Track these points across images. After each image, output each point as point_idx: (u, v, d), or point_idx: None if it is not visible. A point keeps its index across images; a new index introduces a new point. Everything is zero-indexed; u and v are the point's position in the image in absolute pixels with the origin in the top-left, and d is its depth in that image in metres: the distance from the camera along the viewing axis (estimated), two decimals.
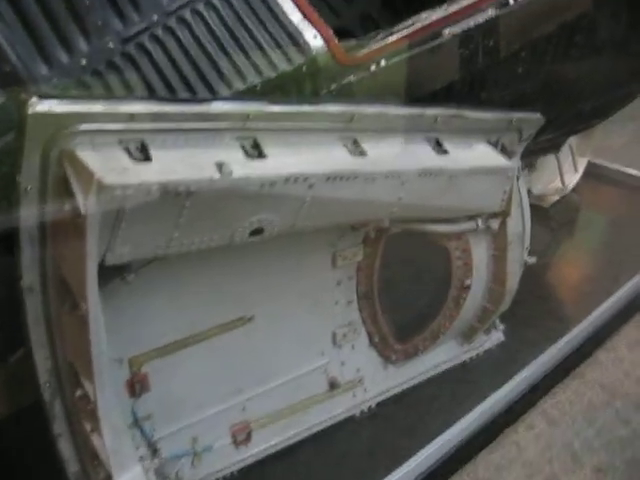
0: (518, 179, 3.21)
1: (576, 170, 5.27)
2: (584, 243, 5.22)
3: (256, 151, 2.30)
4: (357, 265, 3.08)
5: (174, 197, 2.09)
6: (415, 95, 2.79)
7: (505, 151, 3.06)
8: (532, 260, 3.31)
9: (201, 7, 2.45)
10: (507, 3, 2.91)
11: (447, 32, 2.79)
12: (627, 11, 3.35)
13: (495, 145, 3.04)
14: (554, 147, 4.73)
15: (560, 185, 5.14)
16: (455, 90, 2.92)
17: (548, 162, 5.11)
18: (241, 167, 2.22)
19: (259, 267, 2.77)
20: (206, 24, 2.44)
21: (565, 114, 3.78)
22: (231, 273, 2.72)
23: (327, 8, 4.25)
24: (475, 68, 2.92)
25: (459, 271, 3.15)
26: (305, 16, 2.55)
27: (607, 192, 5.72)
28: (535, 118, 3.18)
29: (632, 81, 3.93)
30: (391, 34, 2.80)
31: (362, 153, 2.51)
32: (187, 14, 2.42)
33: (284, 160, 2.31)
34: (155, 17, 2.37)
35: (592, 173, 5.70)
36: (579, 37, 3.25)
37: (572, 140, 5.09)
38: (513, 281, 3.25)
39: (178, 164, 2.13)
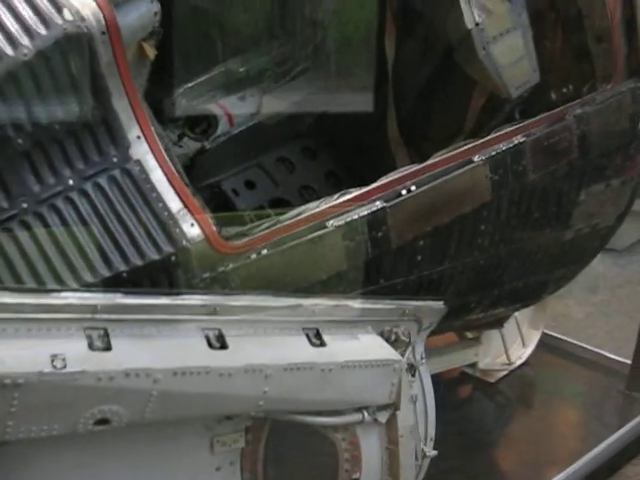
0: (417, 369, 3.13)
1: (524, 344, 5.17)
2: (533, 422, 5.03)
3: (103, 343, 2.28)
4: (241, 450, 2.96)
5: (1, 388, 2.06)
6: (299, 284, 2.79)
7: (399, 342, 3.01)
8: (432, 453, 3.17)
9: (74, 195, 2.51)
10: (399, 194, 2.97)
11: (331, 223, 2.83)
12: (536, 200, 3.40)
13: (388, 335, 2.99)
14: (496, 323, 4.68)
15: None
16: (345, 278, 2.92)
17: (495, 335, 5.04)
18: (79, 360, 2.19)
19: (128, 451, 2.68)
20: (77, 211, 2.50)
21: (485, 298, 3.76)
22: (98, 456, 2.63)
23: (267, 177, 4.39)
24: (366, 257, 2.94)
25: (347, 464, 3.02)
26: (185, 204, 2.61)
27: (564, 368, 5.57)
28: (436, 307, 3.16)
29: (555, 267, 3.93)
30: (277, 222, 2.85)
31: (223, 346, 2.47)
32: (59, 201, 2.48)
33: (129, 353, 2.28)
34: (25, 204, 2.43)
35: (549, 346, 5.59)
36: (484, 225, 3.28)
37: (521, 314, 5.03)
38: (408, 475, 3.10)
39: (10, 355, 2.12)
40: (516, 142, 3.18)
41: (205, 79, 4.03)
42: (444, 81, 3.71)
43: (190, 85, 3.99)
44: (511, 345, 5.08)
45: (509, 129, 3.22)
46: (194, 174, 4.06)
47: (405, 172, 3.05)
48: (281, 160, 4.43)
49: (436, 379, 3.25)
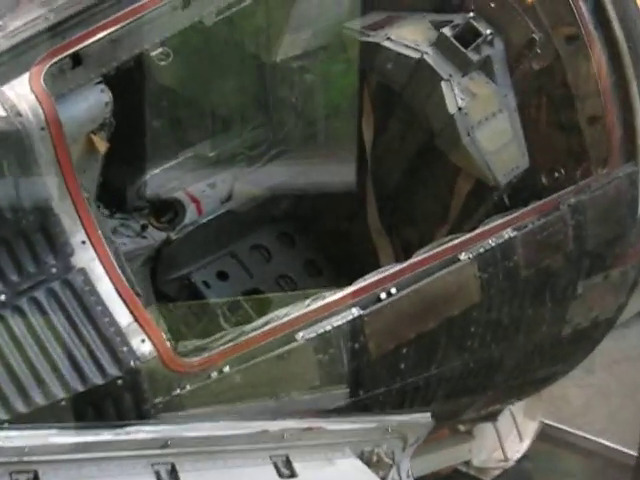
0: None
1: (521, 439, 4.80)
2: None
3: None
4: None
5: None
6: (266, 405, 2.47)
7: (381, 463, 2.67)
8: None
9: (7, 312, 2.21)
10: (378, 299, 2.67)
11: (301, 335, 2.52)
12: (529, 296, 3.12)
13: (369, 457, 2.66)
14: (489, 416, 4.34)
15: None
16: (319, 395, 2.60)
17: (489, 427, 4.68)
18: None
19: None
20: (10, 331, 2.19)
21: (477, 400, 3.44)
22: None
23: (241, 267, 4.09)
24: (342, 371, 2.62)
25: None
26: (135, 317, 2.30)
27: (565, 459, 5.20)
28: (423, 420, 2.83)
29: (553, 363, 3.63)
30: (241, 334, 2.54)
31: None
32: None
33: None
34: None
35: (547, 435, 5.22)
36: (474, 327, 2.98)
37: (516, 406, 4.69)
38: None
39: None
40: (506, 237, 2.90)
41: (173, 164, 3.77)
42: (426, 166, 3.46)
43: (157, 171, 3.72)
44: (507, 438, 4.71)
45: (498, 222, 2.95)
46: (161, 266, 3.78)
47: (385, 273, 2.76)
48: (256, 248, 4.13)
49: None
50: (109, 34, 2.53)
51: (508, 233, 2.92)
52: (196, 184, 3.82)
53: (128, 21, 2.56)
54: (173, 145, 3.81)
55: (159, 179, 3.75)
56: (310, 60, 3.58)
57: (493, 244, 2.88)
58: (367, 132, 3.53)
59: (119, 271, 2.36)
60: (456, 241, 2.87)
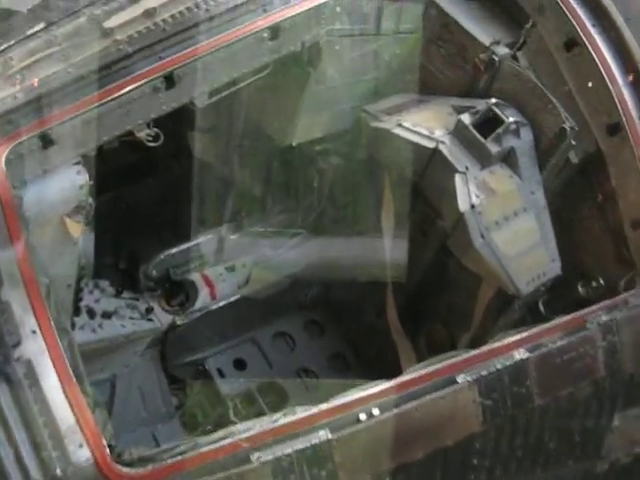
0: None
1: None
2: None
3: None
4: None
5: None
6: None
7: None
8: None
9: None
10: (357, 420, 2.33)
11: (257, 457, 2.22)
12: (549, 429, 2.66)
13: None
14: None
15: None
16: None
17: None
18: None
19: None
20: None
21: None
22: None
23: (261, 356, 3.84)
24: None
25: None
26: (77, 419, 2.13)
27: None
28: None
29: None
30: (195, 447, 2.28)
31: None
32: None
33: None
34: None
35: None
36: (476, 460, 2.56)
37: None
38: None
39: None
40: (517, 358, 2.49)
41: (191, 245, 3.60)
42: (449, 264, 3.09)
43: (173, 252, 3.57)
44: None
45: (509, 339, 2.55)
46: (171, 350, 3.59)
47: (369, 391, 2.43)
48: (280, 335, 3.88)
49: None
50: (81, 115, 2.43)
51: (520, 354, 2.51)
52: (214, 267, 3.63)
53: (103, 102, 2.45)
54: (193, 225, 3.66)
55: (176, 259, 3.59)
56: (333, 143, 3.35)
57: (499, 366, 2.47)
58: (387, 224, 3.22)
59: (68, 366, 2.21)
60: (454, 360, 2.49)
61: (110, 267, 3.64)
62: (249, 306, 3.70)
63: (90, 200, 2.62)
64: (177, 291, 3.59)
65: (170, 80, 2.54)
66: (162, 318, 3.51)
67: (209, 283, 3.62)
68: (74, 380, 2.22)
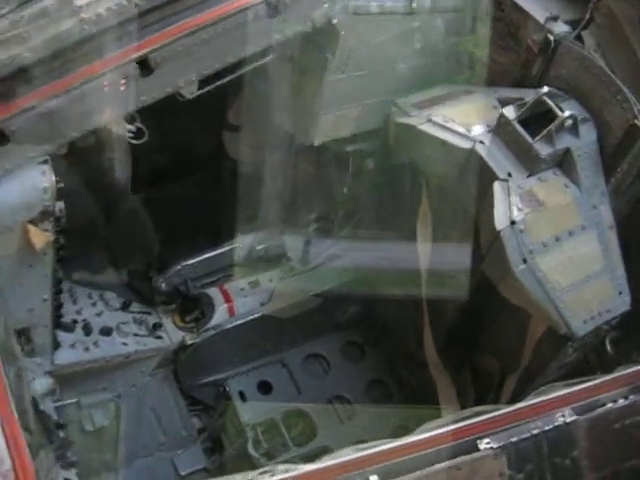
0: None
1: None
2: None
3: None
4: None
5: None
6: None
7: None
8: None
9: None
10: None
11: None
12: None
13: None
14: None
15: None
16: None
17: None
18: None
19: None
20: None
21: None
22: None
23: (290, 380, 3.41)
24: None
25: None
26: (13, 465, 1.85)
27: None
28: None
29: None
30: None
31: None
32: None
33: None
34: None
35: None
36: None
37: None
38: None
39: None
40: (560, 421, 1.94)
41: (211, 256, 3.22)
42: (496, 290, 2.54)
43: (191, 262, 3.19)
44: None
45: (553, 395, 2.00)
46: (186, 369, 3.22)
47: (368, 452, 1.97)
48: (313, 357, 3.44)
49: None
50: (39, 107, 2.08)
51: (564, 415, 1.96)
52: (235, 282, 3.23)
53: (63, 92, 2.09)
54: (215, 233, 3.28)
55: (193, 270, 3.22)
56: (366, 144, 2.87)
57: (536, 431, 1.94)
58: (423, 237, 2.71)
59: (11, 401, 1.92)
60: (477, 419, 1.97)
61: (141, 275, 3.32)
62: (276, 325, 3.29)
63: (60, 205, 2.28)
64: (191, 307, 3.22)
65: (146, 65, 2.14)
66: (173, 335, 3.16)
67: (228, 298, 3.22)
68: (16, 418, 1.89)
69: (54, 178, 2.20)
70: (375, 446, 1.99)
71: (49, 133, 2.16)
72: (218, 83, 2.34)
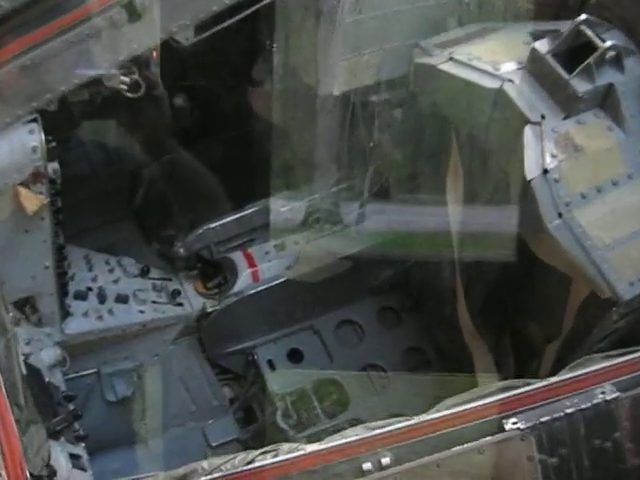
0: None
1: None
2: None
3: None
4: None
5: None
6: None
7: None
8: None
9: None
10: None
11: None
12: None
13: None
14: None
15: None
16: None
17: None
18: None
19: None
20: None
21: None
22: None
23: (322, 347, 3.24)
24: None
25: None
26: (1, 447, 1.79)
27: None
28: None
29: None
30: None
31: None
32: None
33: None
34: None
35: None
36: None
37: None
38: None
39: None
40: (600, 397, 1.70)
41: (233, 219, 3.05)
42: (531, 257, 2.28)
43: (213, 226, 3.03)
44: None
45: (590, 369, 1.76)
46: (211, 337, 3.09)
47: (378, 430, 1.78)
48: (348, 324, 3.26)
49: None
50: (19, 59, 1.93)
51: (605, 391, 1.72)
52: (260, 245, 3.06)
53: (45, 41, 1.93)
54: (238, 196, 3.11)
55: (216, 234, 3.06)
56: (392, 93, 2.62)
57: (571, 409, 1.71)
58: (454, 193, 2.46)
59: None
60: (502, 395, 1.75)
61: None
62: (304, 290, 3.12)
63: (54, 166, 2.14)
64: (213, 272, 3.07)
65: (133, 10, 1.96)
66: (194, 302, 3.02)
67: (252, 263, 3.06)
68: (3, 393, 1.77)
69: (44, 137, 2.07)
70: (387, 425, 1.80)
71: (34, 88, 2.02)
72: (217, 28, 2.15)
